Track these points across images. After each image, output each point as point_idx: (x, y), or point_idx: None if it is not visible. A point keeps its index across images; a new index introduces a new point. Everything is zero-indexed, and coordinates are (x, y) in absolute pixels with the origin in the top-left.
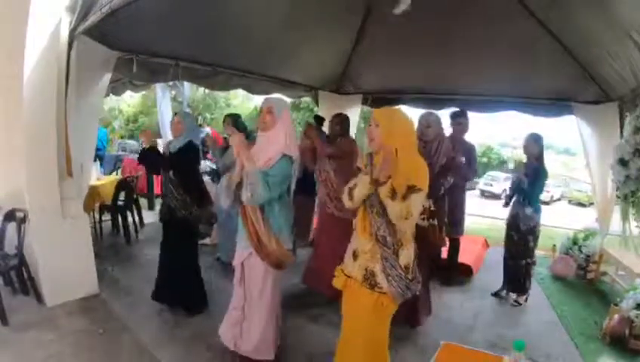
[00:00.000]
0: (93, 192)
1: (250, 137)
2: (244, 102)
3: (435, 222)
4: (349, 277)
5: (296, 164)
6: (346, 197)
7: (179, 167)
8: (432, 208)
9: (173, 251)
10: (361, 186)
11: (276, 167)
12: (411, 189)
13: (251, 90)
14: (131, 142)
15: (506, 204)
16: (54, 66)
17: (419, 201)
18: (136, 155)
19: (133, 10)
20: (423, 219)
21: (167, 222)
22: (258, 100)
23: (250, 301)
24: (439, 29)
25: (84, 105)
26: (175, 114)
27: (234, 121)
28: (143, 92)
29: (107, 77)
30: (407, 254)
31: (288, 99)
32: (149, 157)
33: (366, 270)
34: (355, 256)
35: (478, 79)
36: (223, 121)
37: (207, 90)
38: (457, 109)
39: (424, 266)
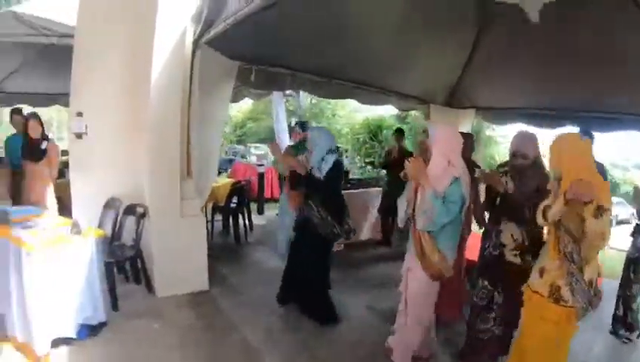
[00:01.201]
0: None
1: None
2: (350, 112)
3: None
4: (535, 293)
5: (465, 186)
6: (539, 215)
7: (329, 191)
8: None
9: (306, 262)
10: (556, 207)
11: (452, 190)
12: (601, 209)
13: (364, 100)
14: (239, 146)
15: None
16: (179, 73)
17: (609, 221)
18: (241, 158)
19: (254, 23)
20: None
21: (303, 233)
22: (367, 111)
23: (407, 307)
24: (560, 41)
25: (207, 110)
26: (296, 123)
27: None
28: (257, 99)
29: (230, 85)
30: (592, 270)
31: (398, 111)
32: (308, 183)
33: (552, 286)
34: (541, 272)
35: (601, 95)
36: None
37: (313, 100)
38: (580, 128)
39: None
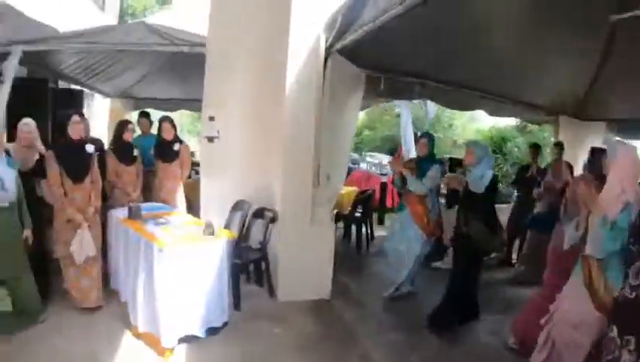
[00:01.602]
0: None
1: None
2: (466, 123)
3: None
4: None
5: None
6: None
7: (488, 207)
8: None
9: (456, 273)
10: None
11: (622, 217)
12: None
13: (491, 111)
14: (355, 155)
15: None
16: (313, 81)
17: None
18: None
19: (385, 32)
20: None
21: (458, 248)
22: (480, 122)
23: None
24: None
25: (338, 119)
26: (423, 135)
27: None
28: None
29: (359, 94)
30: None
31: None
32: (467, 198)
33: None
34: None
35: None
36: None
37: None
38: None
39: None
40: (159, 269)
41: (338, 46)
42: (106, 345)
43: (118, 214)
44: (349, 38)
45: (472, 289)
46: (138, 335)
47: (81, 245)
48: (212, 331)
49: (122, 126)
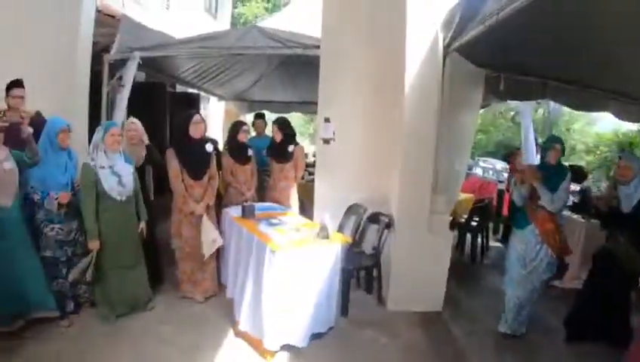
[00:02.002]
0: None
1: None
2: (584, 126)
3: None
4: None
5: None
6: None
7: (635, 225)
8: None
9: (607, 294)
10: None
11: None
12: None
13: (619, 114)
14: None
15: None
16: (432, 83)
17: None
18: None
19: (504, 27)
20: None
21: (602, 266)
22: (608, 125)
23: None
24: None
25: (457, 121)
26: (555, 138)
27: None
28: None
29: (478, 95)
30: None
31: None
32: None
33: None
34: None
35: None
36: None
37: (545, 112)
38: None
39: None
40: (270, 271)
41: (456, 44)
42: (209, 338)
43: (232, 213)
44: (468, 35)
45: (622, 311)
46: (240, 333)
47: (208, 236)
48: (316, 336)
49: (237, 127)
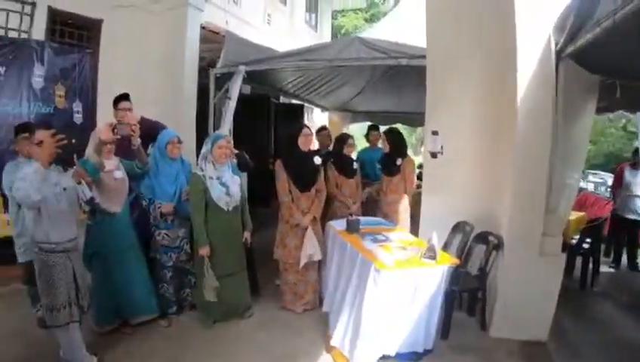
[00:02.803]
0: None
1: None
2: None
3: None
4: None
5: None
6: None
7: None
8: None
9: None
10: None
11: None
12: None
13: None
14: None
15: None
16: (546, 93)
17: None
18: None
19: (621, 29)
20: None
21: None
22: None
23: None
24: None
25: (570, 133)
26: None
27: None
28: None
29: (593, 104)
30: None
31: None
32: None
33: None
34: None
35: None
36: None
37: None
38: None
39: None
40: (373, 290)
41: (570, 49)
42: (303, 350)
43: (337, 226)
44: (582, 38)
45: None
46: (331, 349)
47: (308, 249)
48: (412, 356)
49: (343, 140)
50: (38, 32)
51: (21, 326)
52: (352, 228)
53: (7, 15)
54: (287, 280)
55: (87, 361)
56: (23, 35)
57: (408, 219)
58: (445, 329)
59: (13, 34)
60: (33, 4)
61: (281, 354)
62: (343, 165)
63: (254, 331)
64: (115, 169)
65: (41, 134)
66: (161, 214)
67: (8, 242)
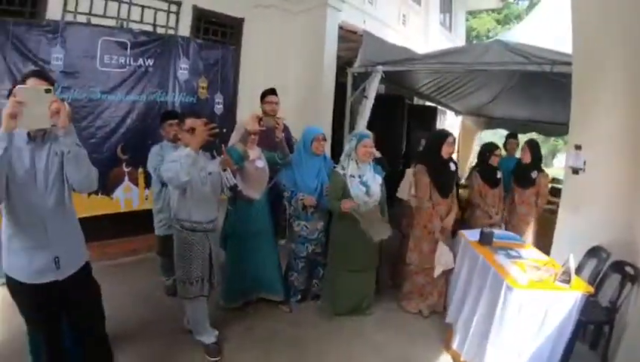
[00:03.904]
0: None
1: None
2: None
3: None
4: None
5: None
6: None
7: None
8: None
9: None
10: None
11: None
12: None
13: None
14: None
15: None
16: None
17: None
18: None
19: None
20: None
21: None
22: None
23: None
24: None
25: None
26: None
27: None
28: None
29: None
30: None
31: None
32: None
33: None
34: None
35: None
36: None
37: None
38: None
39: None
40: (504, 307)
41: None
42: (419, 355)
43: (469, 236)
44: None
45: None
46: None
47: (442, 258)
48: None
49: (490, 149)
50: (184, 29)
51: (150, 291)
52: (485, 240)
53: (156, 13)
54: (416, 282)
55: (209, 333)
56: (170, 32)
57: (533, 235)
58: (565, 359)
59: (161, 30)
60: (179, 3)
61: (395, 357)
62: (488, 174)
63: (371, 330)
64: (257, 158)
65: (192, 122)
66: (302, 206)
67: (144, 215)
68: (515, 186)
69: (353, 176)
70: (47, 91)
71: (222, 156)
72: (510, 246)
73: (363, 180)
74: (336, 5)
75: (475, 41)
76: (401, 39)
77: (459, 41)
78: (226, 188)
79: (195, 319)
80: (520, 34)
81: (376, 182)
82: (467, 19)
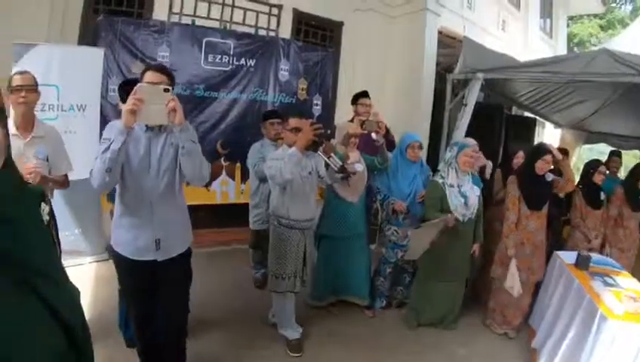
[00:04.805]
0: None
1: None
2: None
3: None
4: None
5: None
6: None
7: None
8: None
9: None
10: None
11: None
12: None
13: None
14: None
15: None
16: None
17: None
18: None
19: None
20: None
21: None
22: None
23: None
24: None
25: None
26: None
27: None
28: None
29: None
30: None
31: None
32: None
33: None
34: None
35: None
36: None
37: None
38: None
39: None
40: (595, 337)
41: None
42: None
43: (565, 257)
44: None
45: None
46: None
47: (507, 281)
48: None
49: (593, 166)
50: (285, 31)
51: (238, 282)
52: (581, 264)
53: (257, 15)
54: (500, 300)
55: (293, 329)
56: (271, 34)
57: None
58: None
59: (262, 32)
60: (280, 7)
61: None
62: (591, 194)
63: (454, 344)
64: (355, 162)
65: (296, 121)
66: (393, 210)
67: (239, 208)
68: (624, 208)
69: (452, 186)
70: (166, 90)
71: (323, 144)
72: (608, 272)
73: (462, 190)
74: (435, 10)
75: (576, 48)
76: (501, 45)
77: (560, 47)
78: (333, 174)
79: (281, 313)
80: (625, 41)
81: (474, 193)
82: (568, 25)
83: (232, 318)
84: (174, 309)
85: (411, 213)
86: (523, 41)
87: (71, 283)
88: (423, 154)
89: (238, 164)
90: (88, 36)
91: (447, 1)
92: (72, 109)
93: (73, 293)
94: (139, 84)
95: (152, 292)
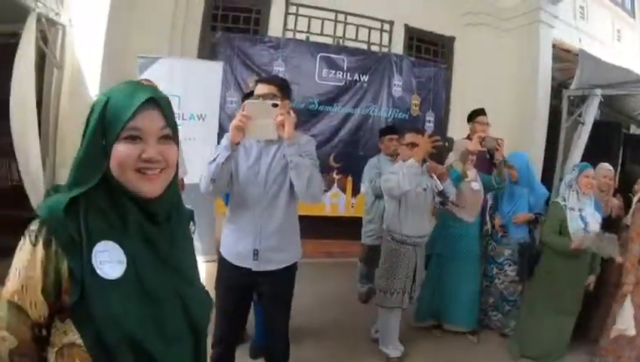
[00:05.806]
0: None
1: None
2: None
3: None
4: None
5: None
6: None
7: None
8: None
9: None
10: None
11: None
12: None
13: None
14: None
15: None
16: None
17: None
18: None
19: None
20: None
21: None
22: None
23: None
24: None
25: None
26: None
27: None
28: None
29: None
30: None
31: None
32: None
33: None
34: None
35: None
36: None
37: None
38: None
39: None
40: None
41: None
42: None
43: None
44: None
45: None
46: None
47: (620, 321)
48: None
49: None
50: (397, 47)
51: (342, 294)
52: None
53: (369, 32)
54: (614, 339)
55: (395, 346)
56: (384, 49)
57: None
58: None
59: (374, 47)
60: (391, 23)
61: None
62: None
63: None
64: (473, 180)
65: (412, 137)
66: (492, 225)
67: (347, 221)
68: None
69: (573, 209)
70: (274, 106)
71: (428, 163)
72: None
73: (582, 215)
74: (549, 22)
75: None
76: (616, 57)
77: None
78: (435, 195)
79: (385, 329)
80: None
81: (595, 219)
82: None
83: (332, 330)
84: (273, 324)
85: (507, 232)
86: (639, 51)
87: (203, 285)
88: (538, 175)
89: (350, 178)
90: (206, 51)
91: (560, 12)
92: (192, 118)
93: (204, 295)
94: (247, 101)
95: (242, 307)
